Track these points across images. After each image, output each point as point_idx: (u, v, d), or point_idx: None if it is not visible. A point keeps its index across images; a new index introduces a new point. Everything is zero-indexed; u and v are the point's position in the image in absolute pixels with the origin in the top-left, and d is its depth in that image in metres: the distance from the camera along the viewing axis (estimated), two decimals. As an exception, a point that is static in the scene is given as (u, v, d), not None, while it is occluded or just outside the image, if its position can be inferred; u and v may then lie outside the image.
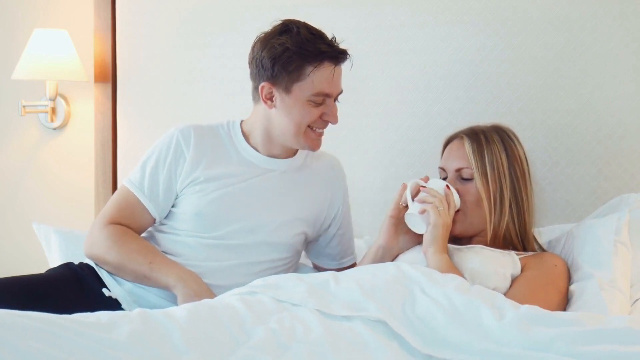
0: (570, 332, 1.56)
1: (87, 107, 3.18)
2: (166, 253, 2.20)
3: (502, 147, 2.13)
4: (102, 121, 3.08)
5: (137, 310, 1.64)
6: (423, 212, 2.03)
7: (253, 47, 2.20)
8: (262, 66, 2.16)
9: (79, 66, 3.06)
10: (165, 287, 2.12)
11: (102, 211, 2.26)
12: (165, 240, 2.22)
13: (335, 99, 2.20)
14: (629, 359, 1.48)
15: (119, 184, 3.05)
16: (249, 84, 2.85)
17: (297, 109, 2.15)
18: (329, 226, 2.34)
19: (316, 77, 2.12)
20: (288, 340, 1.58)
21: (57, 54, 3.03)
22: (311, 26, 2.18)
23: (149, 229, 2.28)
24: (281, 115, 2.17)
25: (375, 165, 2.67)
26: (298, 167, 2.29)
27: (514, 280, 2.00)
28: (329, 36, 2.17)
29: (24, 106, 3.14)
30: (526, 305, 1.68)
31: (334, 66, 2.14)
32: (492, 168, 2.10)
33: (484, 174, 2.10)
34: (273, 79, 2.15)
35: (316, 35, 2.15)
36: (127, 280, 2.18)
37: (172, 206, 2.24)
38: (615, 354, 1.49)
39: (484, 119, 2.33)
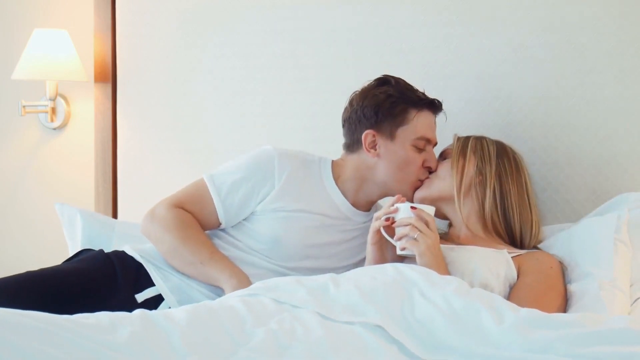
0: (569, 334, 1.56)
1: (87, 107, 3.18)
2: None
3: (492, 142, 2.22)
4: (102, 121, 3.07)
5: (138, 312, 1.65)
6: (404, 249, 2.01)
7: (350, 102, 2.29)
8: (364, 116, 2.23)
9: (79, 66, 3.06)
10: (215, 280, 2.16)
11: (171, 195, 2.29)
12: (235, 255, 2.25)
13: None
14: (629, 359, 1.48)
15: (119, 184, 3.05)
16: (249, 84, 2.87)
17: (402, 154, 2.21)
18: None
19: (419, 122, 2.21)
20: (288, 340, 1.58)
21: (57, 54, 3.03)
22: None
23: (219, 240, 2.29)
24: (385, 162, 2.23)
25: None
26: (369, 219, 2.34)
27: (512, 285, 2.01)
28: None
29: (24, 106, 3.13)
30: (525, 308, 1.68)
31: (433, 114, 2.25)
32: (475, 149, 2.18)
33: (463, 149, 2.19)
34: (377, 126, 2.22)
35: (412, 87, 2.26)
36: (174, 270, 2.21)
37: (245, 219, 2.28)
38: (616, 355, 1.49)
39: (484, 119, 2.34)
